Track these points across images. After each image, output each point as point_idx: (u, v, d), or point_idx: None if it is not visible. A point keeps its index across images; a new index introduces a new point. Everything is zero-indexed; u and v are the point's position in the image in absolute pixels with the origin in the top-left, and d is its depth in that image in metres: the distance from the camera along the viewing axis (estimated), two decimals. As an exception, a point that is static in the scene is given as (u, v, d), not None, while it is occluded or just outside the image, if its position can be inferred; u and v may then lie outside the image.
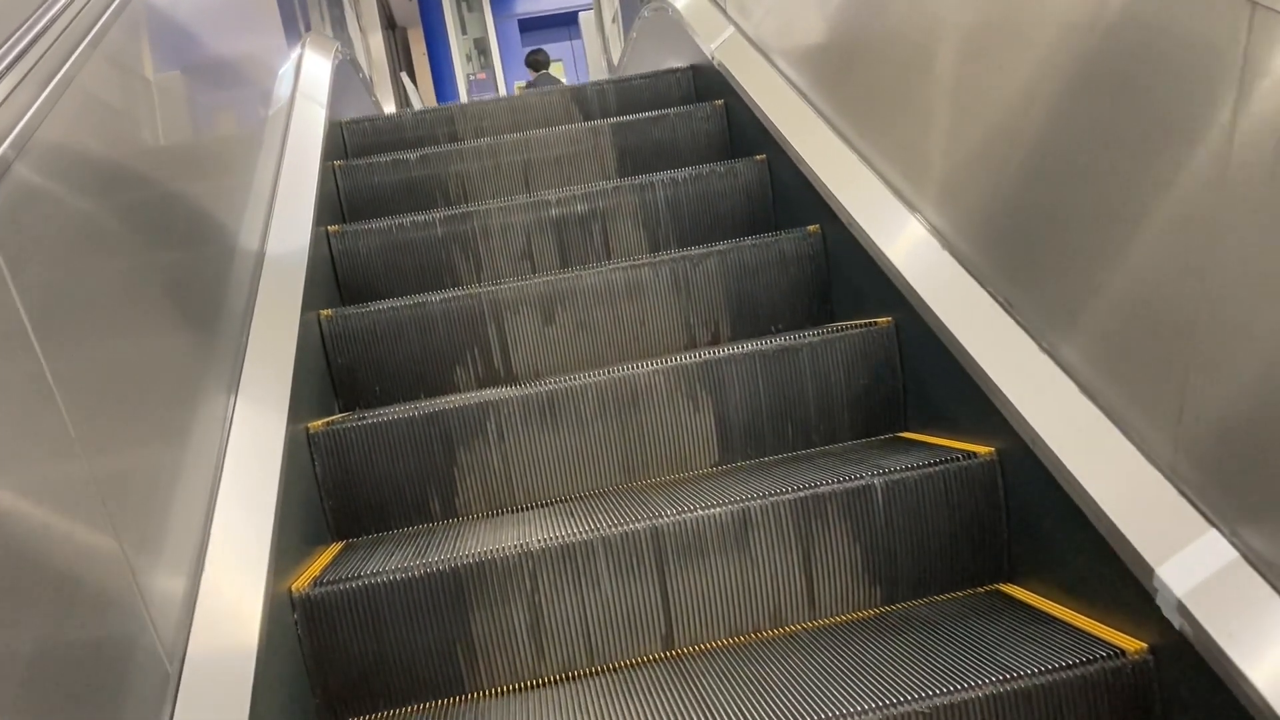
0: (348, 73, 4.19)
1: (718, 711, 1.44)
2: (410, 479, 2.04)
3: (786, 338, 2.12)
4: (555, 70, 10.31)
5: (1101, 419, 1.49)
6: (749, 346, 2.11)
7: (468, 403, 2.04)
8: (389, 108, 8.52)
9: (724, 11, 3.37)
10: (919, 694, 1.38)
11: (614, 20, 7.73)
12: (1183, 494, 1.33)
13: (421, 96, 11.53)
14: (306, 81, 3.30)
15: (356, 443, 2.01)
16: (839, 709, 1.37)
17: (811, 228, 2.47)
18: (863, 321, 2.14)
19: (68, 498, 1.06)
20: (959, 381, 1.80)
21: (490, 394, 2.05)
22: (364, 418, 2.02)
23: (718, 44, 3.26)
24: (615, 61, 6.95)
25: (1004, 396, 1.66)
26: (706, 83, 3.45)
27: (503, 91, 13.59)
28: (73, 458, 1.08)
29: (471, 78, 13.90)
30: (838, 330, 2.13)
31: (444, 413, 2.03)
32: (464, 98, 13.13)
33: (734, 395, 2.10)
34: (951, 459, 1.77)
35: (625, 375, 2.07)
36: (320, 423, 2.02)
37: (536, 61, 9.62)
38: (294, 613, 1.65)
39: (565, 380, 2.06)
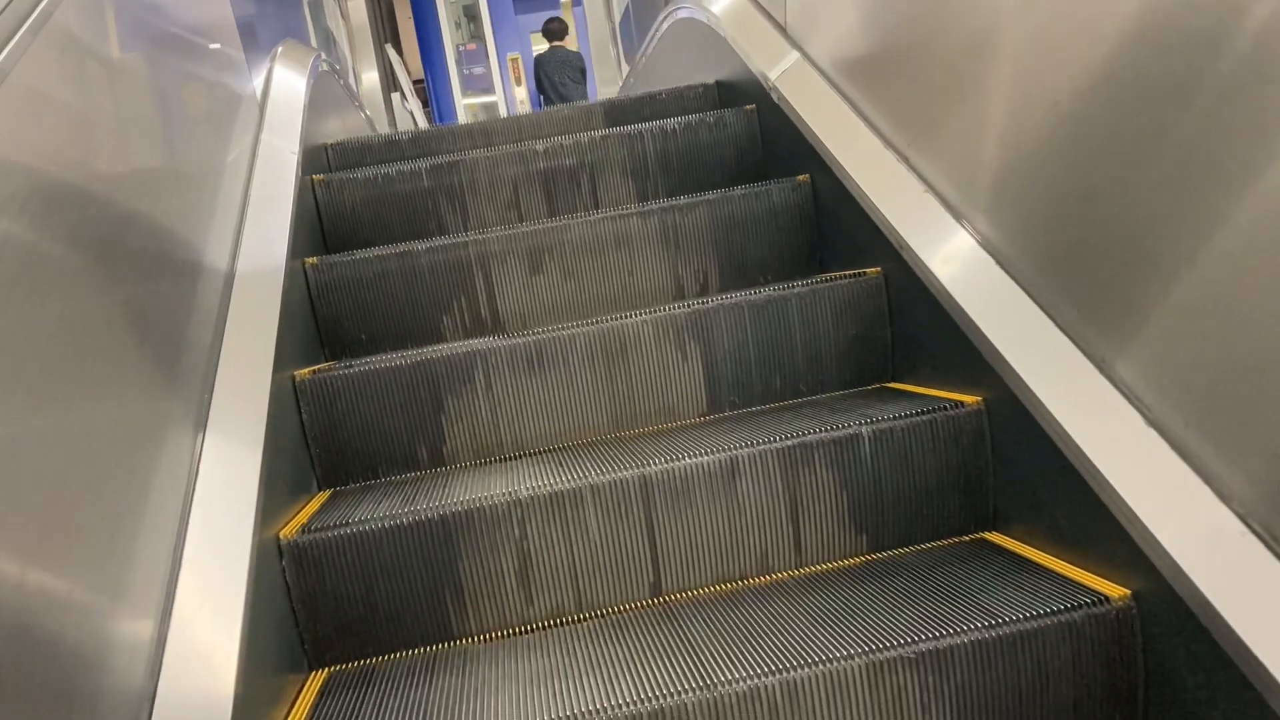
0: (328, 86, 3.87)
1: (704, 656, 1.45)
2: (398, 428, 2.03)
3: (775, 288, 2.11)
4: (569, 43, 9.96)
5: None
6: (737, 296, 2.10)
7: (455, 352, 2.03)
8: (370, 75, 7.96)
9: (782, 28, 2.76)
10: (905, 640, 1.39)
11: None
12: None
13: (408, 68, 10.81)
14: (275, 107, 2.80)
15: (343, 391, 2.00)
16: (825, 654, 1.38)
17: (801, 177, 2.46)
18: (852, 272, 2.13)
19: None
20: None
21: (478, 343, 2.04)
22: (350, 366, 2.01)
23: (779, 73, 2.65)
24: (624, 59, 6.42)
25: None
26: (773, 134, 2.73)
27: (494, 64, 12.51)
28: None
29: (460, 48, 13.00)
30: (827, 280, 2.13)
31: (431, 361, 2.02)
32: (453, 74, 12.32)
33: (722, 345, 2.09)
34: (939, 408, 1.77)
35: (614, 325, 2.06)
36: (306, 371, 2.01)
37: (552, 30, 9.32)
38: (281, 559, 1.65)
39: (553, 330, 2.06)
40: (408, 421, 2.03)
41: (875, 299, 2.11)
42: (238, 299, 1.90)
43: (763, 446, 1.75)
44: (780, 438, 1.76)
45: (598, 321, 2.06)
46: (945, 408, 1.77)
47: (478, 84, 12.33)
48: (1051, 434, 1.50)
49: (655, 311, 2.08)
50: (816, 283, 2.12)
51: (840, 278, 2.12)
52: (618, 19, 7.39)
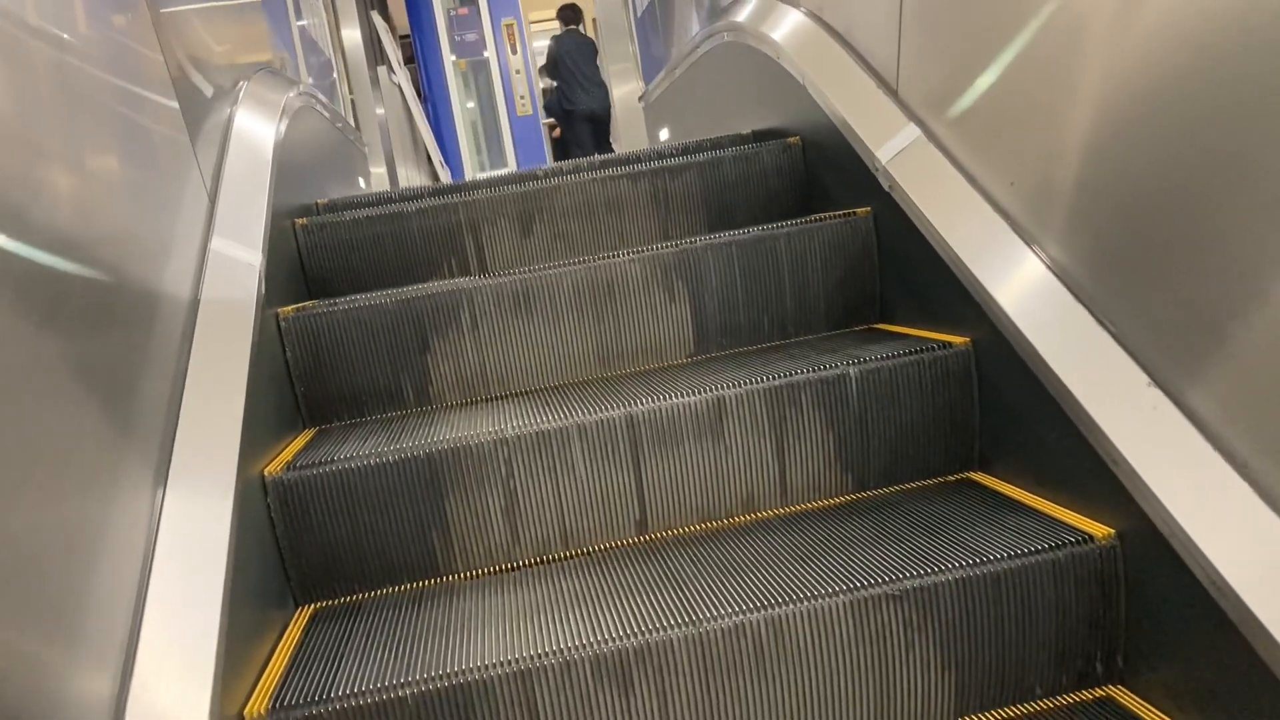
0: (309, 129, 3.26)
1: (690, 590, 1.46)
2: (383, 366, 2.02)
3: (764, 227, 2.10)
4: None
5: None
6: (726, 236, 2.08)
7: (441, 290, 2.01)
8: (351, 34, 7.32)
9: (890, 89, 2.05)
10: (889, 577, 1.40)
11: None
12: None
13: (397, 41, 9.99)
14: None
15: (327, 329, 1.98)
16: (809, 590, 1.39)
17: (792, 139, 2.44)
18: (841, 212, 2.12)
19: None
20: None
21: (464, 282, 2.02)
22: (335, 304, 1.99)
23: (892, 153, 1.95)
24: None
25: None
26: (892, 239, 2.05)
27: (488, 33, 11.28)
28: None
29: (452, 13, 11.81)
30: (816, 220, 2.11)
31: (417, 299, 2.00)
32: (443, 38, 11.21)
33: (710, 285, 2.08)
34: (926, 349, 1.77)
35: (601, 265, 2.04)
36: (290, 309, 1.99)
37: (568, 16, 9.13)
38: (266, 496, 1.64)
39: (540, 270, 2.04)
40: (393, 360, 2.01)
41: (864, 237, 2.10)
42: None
43: (750, 387, 1.74)
44: (768, 378, 1.75)
45: (585, 261, 2.04)
46: (933, 348, 1.76)
47: (470, 50, 11.55)
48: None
49: (643, 251, 2.06)
50: (806, 222, 2.10)
51: (830, 218, 2.10)
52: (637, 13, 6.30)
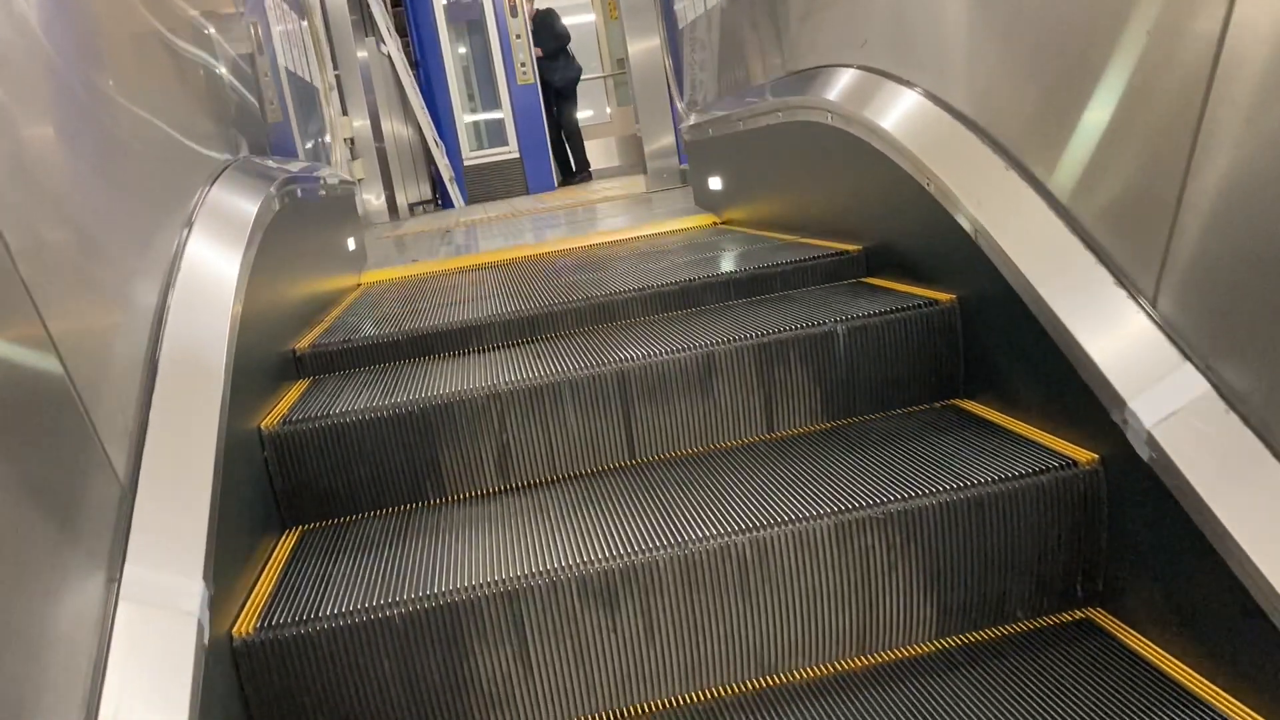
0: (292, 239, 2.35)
1: (676, 513, 1.47)
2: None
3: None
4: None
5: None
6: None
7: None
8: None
9: (1148, 304, 1.34)
10: (874, 501, 1.41)
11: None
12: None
13: None
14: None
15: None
16: (795, 513, 1.40)
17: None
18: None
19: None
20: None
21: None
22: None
23: (1161, 415, 1.28)
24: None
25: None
26: (1131, 490, 1.39)
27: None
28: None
29: None
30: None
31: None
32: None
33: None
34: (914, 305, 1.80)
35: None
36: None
37: (557, 37, 8.95)
38: (264, 450, 1.67)
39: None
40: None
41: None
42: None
43: (739, 343, 1.77)
44: (757, 334, 1.78)
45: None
46: (920, 305, 1.80)
47: (465, 14, 9.81)
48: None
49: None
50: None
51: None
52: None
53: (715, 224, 3.46)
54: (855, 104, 2.10)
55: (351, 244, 3.53)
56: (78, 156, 1.32)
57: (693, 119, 3.93)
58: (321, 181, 3.06)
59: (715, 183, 3.61)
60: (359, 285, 3.24)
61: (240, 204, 1.88)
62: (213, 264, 1.62)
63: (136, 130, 1.56)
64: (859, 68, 2.16)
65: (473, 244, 4.20)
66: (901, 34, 1.99)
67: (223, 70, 2.24)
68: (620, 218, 4.24)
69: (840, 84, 2.23)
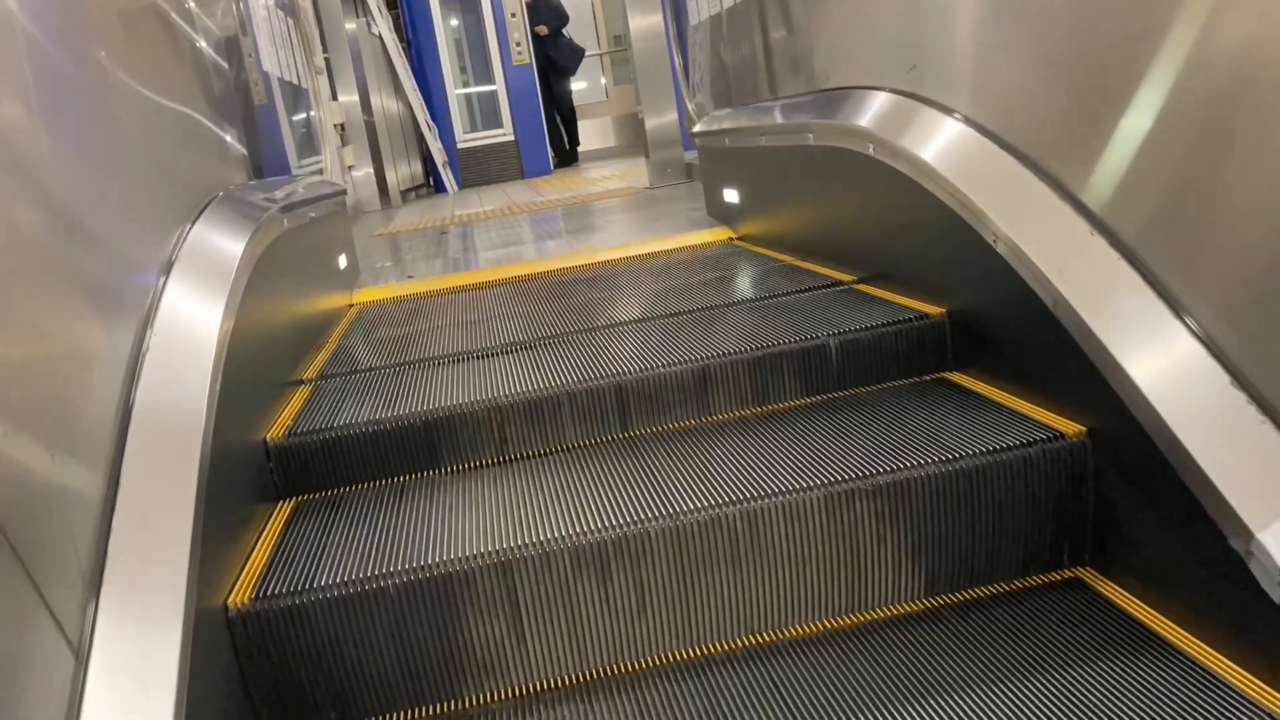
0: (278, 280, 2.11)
1: (666, 485, 1.49)
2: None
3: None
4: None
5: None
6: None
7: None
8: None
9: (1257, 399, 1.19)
10: (863, 472, 1.43)
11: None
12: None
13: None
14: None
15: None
16: (784, 484, 1.42)
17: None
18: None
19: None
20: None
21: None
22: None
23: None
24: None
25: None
26: None
27: None
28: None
29: None
30: None
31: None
32: None
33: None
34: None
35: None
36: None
37: (560, 15, 8.75)
38: (269, 462, 1.70)
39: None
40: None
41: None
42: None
43: (734, 357, 1.82)
44: (752, 348, 1.83)
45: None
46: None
47: None
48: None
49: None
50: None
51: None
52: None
53: (731, 239, 3.31)
54: (906, 138, 1.86)
55: (343, 261, 3.27)
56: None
57: (706, 124, 3.69)
58: (312, 203, 2.78)
59: (731, 195, 3.41)
60: (351, 306, 3.06)
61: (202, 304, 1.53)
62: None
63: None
64: (904, 94, 1.92)
65: (470, 249, 4.03)
66: (955, 60, 1.78)
67: (209, 72, 2.20)
68: (626, 224, 4.07)
69: (883, 111, 1.98)
